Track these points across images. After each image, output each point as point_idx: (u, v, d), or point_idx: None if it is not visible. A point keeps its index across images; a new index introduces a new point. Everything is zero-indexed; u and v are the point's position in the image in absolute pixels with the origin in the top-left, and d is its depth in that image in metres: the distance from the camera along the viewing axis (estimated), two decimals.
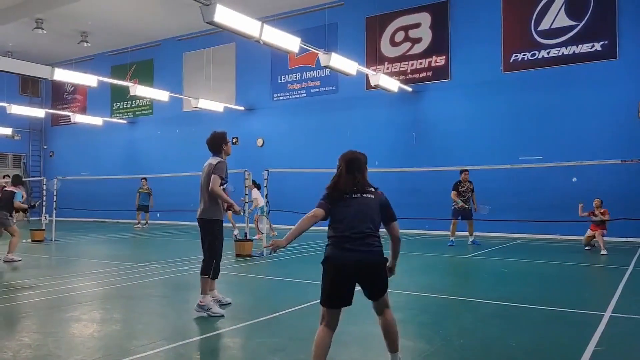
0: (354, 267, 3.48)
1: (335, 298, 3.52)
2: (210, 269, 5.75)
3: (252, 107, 20.23)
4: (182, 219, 19.96)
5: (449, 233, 12.77)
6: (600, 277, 8.54)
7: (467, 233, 12.91)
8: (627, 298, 6.45)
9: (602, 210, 11.44)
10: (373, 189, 3.71)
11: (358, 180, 3.64)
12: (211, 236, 5.83)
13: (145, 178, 19.45)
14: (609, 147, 13.33)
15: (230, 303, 6.10)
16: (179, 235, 16.40)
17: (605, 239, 11.27)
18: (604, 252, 10.91)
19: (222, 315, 5.51)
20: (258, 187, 14.07)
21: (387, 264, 3.70)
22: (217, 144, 6.00)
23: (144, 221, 19.59)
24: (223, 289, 7.46)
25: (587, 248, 11.72)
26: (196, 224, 5.95)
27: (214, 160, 5.91)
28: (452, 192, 12.56)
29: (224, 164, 5.89)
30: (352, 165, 3.67)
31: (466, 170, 12.70)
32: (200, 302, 5.58)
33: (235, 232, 15.82)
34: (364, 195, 3.62)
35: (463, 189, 12.64)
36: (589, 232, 11.66)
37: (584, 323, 5.29)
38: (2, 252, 10.20)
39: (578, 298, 6.78)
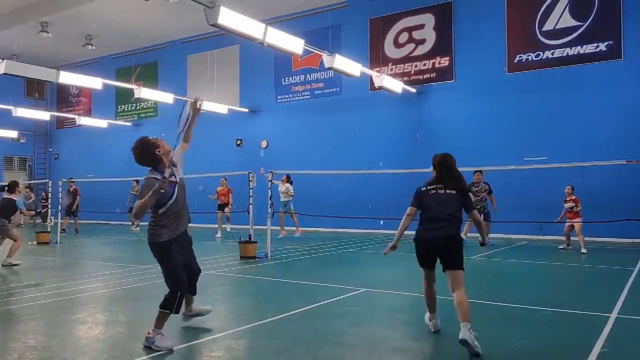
0: (434, 242, 4.67)
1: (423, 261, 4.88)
2: (173, 304, 4.65)
3: (256, 108, 20.26)
4: None
5: None
6: (605, 278, 8.49)
7: (477, 234, 12.81)
8: (633, 299, 6.41)
9: (574, 198, 11.28)
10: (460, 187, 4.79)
11: (449, 177, 4.79)
12: (160, 264, 4.87)
13: (136, 180, 19.43)
14: (613, 147, 13.26)
15: (210, 310, 5.43)
16: None
17: (609, 239, 11.17)
18: (584, 250, 10.77)
19: (171, 350, 4.45)
20: (290, 182, 14.77)
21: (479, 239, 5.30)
22: (148, 155, 4.68)
23: (133, 223, 19.75)
24: (227, 290, 7.49)
25: (561, 247, 11.67)
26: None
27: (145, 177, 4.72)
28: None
29: (150, 180, 4.58)
30: (443, 166, 4.83)
31: (479, 171, 12.74)
32: (148, 334, 4.57)
33: (218, 234, 15.61)
34: (447, 190, 4.74)
35: (477, 189, 12.68)
36: (567, 222, 11.58)
37: (590, 324, 5.26)
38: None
39: (583, 299, 6.75)
